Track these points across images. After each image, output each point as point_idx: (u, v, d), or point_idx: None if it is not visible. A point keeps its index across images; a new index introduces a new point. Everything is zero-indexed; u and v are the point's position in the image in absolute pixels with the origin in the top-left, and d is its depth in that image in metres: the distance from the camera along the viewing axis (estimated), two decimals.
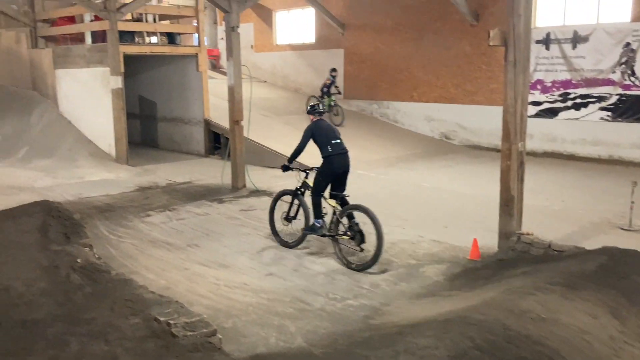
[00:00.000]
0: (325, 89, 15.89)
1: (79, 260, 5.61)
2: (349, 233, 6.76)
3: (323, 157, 7.10)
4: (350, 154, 13.85)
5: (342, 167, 7.10)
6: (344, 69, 18.06)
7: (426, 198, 9.85)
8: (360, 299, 5.69)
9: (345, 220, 6.87)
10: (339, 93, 16.31)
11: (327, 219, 7.10)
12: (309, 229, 7.25)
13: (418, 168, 12.51)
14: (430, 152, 14.39)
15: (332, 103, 15.85)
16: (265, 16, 20.28)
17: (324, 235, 7.13)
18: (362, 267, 6.48)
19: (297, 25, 19.57)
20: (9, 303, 4.63)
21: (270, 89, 19.13)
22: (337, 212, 6.89)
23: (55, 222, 6.27)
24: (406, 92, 16.51)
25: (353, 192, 10.22)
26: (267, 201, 9.75)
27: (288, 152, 12.56)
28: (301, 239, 7.38)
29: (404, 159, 13.62)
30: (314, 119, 7.38)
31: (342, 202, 7.03)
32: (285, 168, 7.62)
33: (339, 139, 7.20)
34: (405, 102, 16.55)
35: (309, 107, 7.61)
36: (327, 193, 7.17)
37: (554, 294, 4.41)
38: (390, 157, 13.72)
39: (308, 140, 7.27)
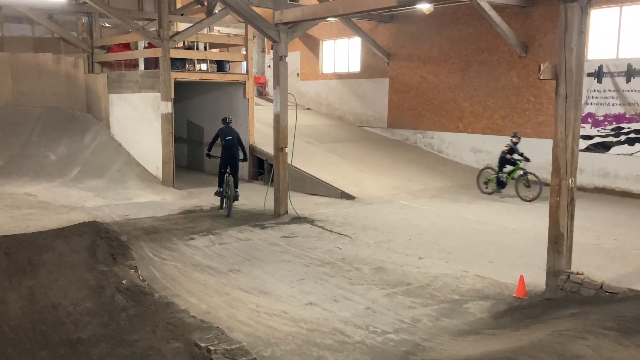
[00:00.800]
0: (507, 157, 12.45)
1: (124, 282, 5.73)
2: (228, 194, 10.80)
3: (221, 148, 11.03)
4: (393, 183, 13.81)
5: (229, 154, 11.02)
6: (388, 98, 18.10)
7: (471, 231, 9.64)
8: (401, 333, 5.57)
9: (232, 189, 10.82)
10: (527, 160, 12.30)
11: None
12: (216, 192, 11.30)
13: (463, 200, 12.30)
14: (476, 184, 14.11)
15: (522, 171, 12.32)
16: (312, 45, 20.61)
17: (222, 195, 11.09)
18: (229, 215, 10.61)
19: (342, 55, 19.80)
20: (56, 321, 4.75)
21: (315, 117, 19.32)
22: (226, 183, 10.91)
23: (103, 242, 6.44)
24: (452, 123, 16.37)
25: (396, 222, 10.23)
26: (309, 228, 9.82)
27: (331, 180, 12.79)
28: (220, 200, 11.32)
29: (448, 190, 13.42)
30: (223, 126, 11.16)
31: (235, 179, 10.99)
32: (208, 156, 11.17)
33: (232, 137, 11.00)
34: (451, 133, 16.39)
35: (227, 118, 11.43)
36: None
37: (607, 339, 4.20)
38: (435, 187, 13.56)
39: (216, 139, 11.11)
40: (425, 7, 13.91)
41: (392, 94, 18.01)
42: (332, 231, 9.59)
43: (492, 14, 13.71)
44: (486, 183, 12.97)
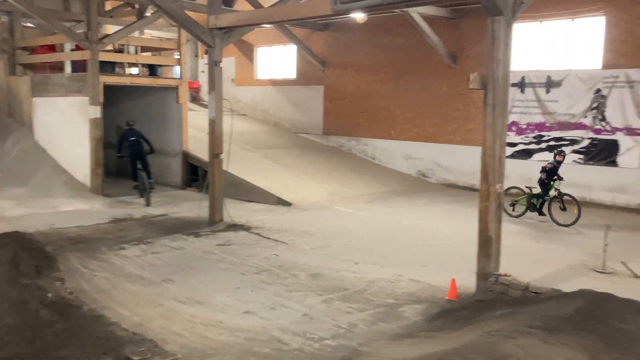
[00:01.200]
0: (542, 175, 10.89)
1: (49, 295, 5.44)
2: (144, 187, 12.24)
3: (128, 148, 12.51)
4: (329, 189, 13.95)
5: (135, 152, 12.50)
6: (323, 105, 18.27)
7: (404, 236, 9.87)
8: (339, 339, 5.60)
9: (145, 180, 12.27)
10: (561, 179, 10.83)
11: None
12: (134, 186, 12.60)
13: (396, 205, 12.57)
14: (408, 190, 14.49)
15: (556, 193, 10.73)
16: (247, 51, 20.49)
17: (139, 188, 12.45)
18: (148, 204, 12.03)
19: (278, 61, 19.80)
20: None
21: (250, 123, 19.19)
22: (140, 177, 12.37)
23: (27, 254, 6.10)
24: (385, 130, 16.72)
25: (333, 228, 10.31)
26: (245, 235, 9.72)
27: (267, 186, 12.73)
28: (139, 192, 12.56)
29: (382, 196, 13.68)
30: (127, 128, 12.67)
31: (147, 172, 12.43)
32: (119, 157, 12.72)
33: (135, 137, 12.49)
34: (384, 140, 16.75)
35: (130, 121, 12.93)
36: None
37: (534, 338, 4.41)
38: (369, 193, 13.78)
39: (122, 141, 12.61)
40: (359, 17, 14.16)
41: (327, 102, 18.19)
42: (268, 238, 9.54)
43: (423, 25, 14.17)
44: (513, 205, 11.29)
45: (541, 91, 13.63)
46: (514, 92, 13.75)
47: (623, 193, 12.39)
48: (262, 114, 20.08)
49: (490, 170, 6.68)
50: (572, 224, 10.34)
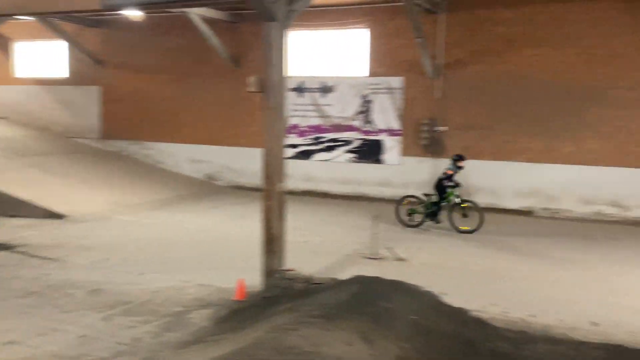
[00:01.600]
0: (445, 182, 10.59)
1: None
2: None
3: None
4: (110, 197, 13.21)
5: None
6: (101, 107, 17.01)
7: (192, 241, 9.67)
8: (121, 356, 5.21)
9: None
10: (457, 185, 10.61)
11: None
12: None
13: (184, 210, 12.28)
14: (196, 194, 14.27)
15: (457, 199, 10.49)
16: (2, 45, 18.05)
17: None
18: None
19: (45, 58, 17.80)
20: None
21: (11, 127, 16.89)
22: None
23: None
24: (170, 133, 16.22)
25: (115, 239, 9.66)
26: (6, 256, 8.54)
27: (34, 198, 11.37)
28: None
29: (169, 201, 13.23)
30: None
31: None
32: None
33: None
34: (170, 143, 16.24)
35: None
36: None
37: (315, 327, 4.64)
38: (155, 200, 13.20)
39: None
40: (134, 14, 13.47)
41: (105, 103, 16.98)
42: (37, 256, 8.48)
43: (203, 27, 14.09)
44: (411, 214, 10.89)
45: (317, 96, 14.59)
46: (294, 97, 14.48)
47: (388, 186, 13.90)
48: (26, 117, 17.84)
49: (272, 170, 6.89)
50: (474, 231, 10.20)
